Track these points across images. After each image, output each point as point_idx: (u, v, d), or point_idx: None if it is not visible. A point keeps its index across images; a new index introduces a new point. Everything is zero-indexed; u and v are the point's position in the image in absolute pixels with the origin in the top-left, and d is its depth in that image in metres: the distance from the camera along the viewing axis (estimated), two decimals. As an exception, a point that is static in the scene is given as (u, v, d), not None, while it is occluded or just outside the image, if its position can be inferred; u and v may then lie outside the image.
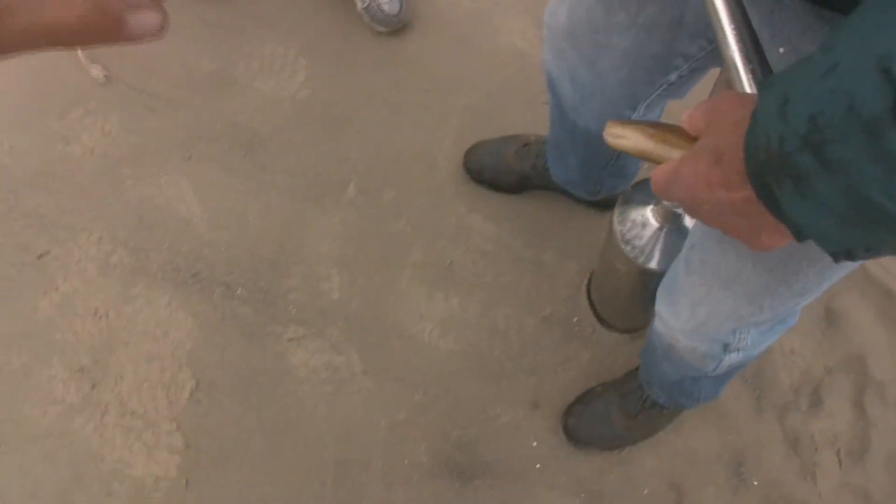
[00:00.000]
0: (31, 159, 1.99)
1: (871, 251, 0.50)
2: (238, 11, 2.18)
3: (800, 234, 0.52)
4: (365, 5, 2.06)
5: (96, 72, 2.02)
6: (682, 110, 0.63)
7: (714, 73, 1.08)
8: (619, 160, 1.56)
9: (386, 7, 2.04)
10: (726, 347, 1.20)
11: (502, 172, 1.88)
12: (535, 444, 1.70)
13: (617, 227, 1.47)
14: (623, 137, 0.69)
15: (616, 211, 1.49)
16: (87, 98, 2.04)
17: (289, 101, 2.04)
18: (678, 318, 1.22)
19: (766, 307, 1.06)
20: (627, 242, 1.46)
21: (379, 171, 1.95)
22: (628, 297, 1.64)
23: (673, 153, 0.65)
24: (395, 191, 1.92)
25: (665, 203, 1.44)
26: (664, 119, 1.37)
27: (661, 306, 1.27)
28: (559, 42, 1.31)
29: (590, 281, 1.82)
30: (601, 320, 1.80)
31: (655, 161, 0.67)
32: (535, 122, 1.95)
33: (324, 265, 1.85)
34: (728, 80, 0.70)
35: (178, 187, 1.93)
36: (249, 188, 1.93)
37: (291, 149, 1.98)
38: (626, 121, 0.70)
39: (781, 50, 0.79)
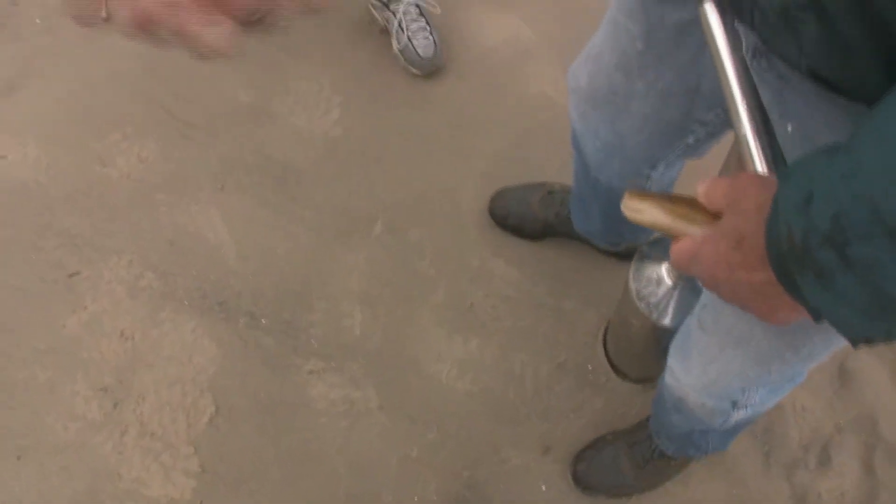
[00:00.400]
0: (67, 179, 2.13)
1: (892, 337, 0.54)
2: (276, 45, 2.33)
3: (819, 319, 0.57)
4: (401, 47, 2.22)
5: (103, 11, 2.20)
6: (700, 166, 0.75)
7: (731, 136, 1.23)
8: None
9: (421, 51, 2.20)
10: (735, 404, 1.30)
11: (527, 219, 2.01)
12: (543, 488, 1.81)
13: (632, 284, 1.59)
14: (641, 212, 0.75)
15: (632, 267, 1.62)
16: (126, 123, 2.19)
17: (322, 137, 2.19)
18: (689, 374, 1.31)
19: (774, 369, 1.15)
20: (642, 299, 1.59)
21: (406, 211, 2.09)
22: (642, 350, 1.76)
23: (691, 228, 0.70)
24: (420, 231, 2.06)
25: None
26: (684, 174, 1.54)
27: (673, 361, 1.37)
28: (582, 104, 1.45)
29: (606, 330, 1.94)
30: (615, 370, 1.92)
31: (673, 235, 0.73)
32: (561, 170, 2.09)
33: (347, 301, 1.98)
34: (740, 155, 0.78)
35: (210, 216, 2.08)
36: (279, 221, 2.07)
37: (322, 184, 2.12)
38: (643, 193, 0.79)
39: (790, 127, 0.85)
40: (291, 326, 1.95)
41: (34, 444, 1.85)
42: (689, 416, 1.44)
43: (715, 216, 0.69)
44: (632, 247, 1.88)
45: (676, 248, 0.71)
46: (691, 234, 0.70)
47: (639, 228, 1.75)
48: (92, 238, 2.05)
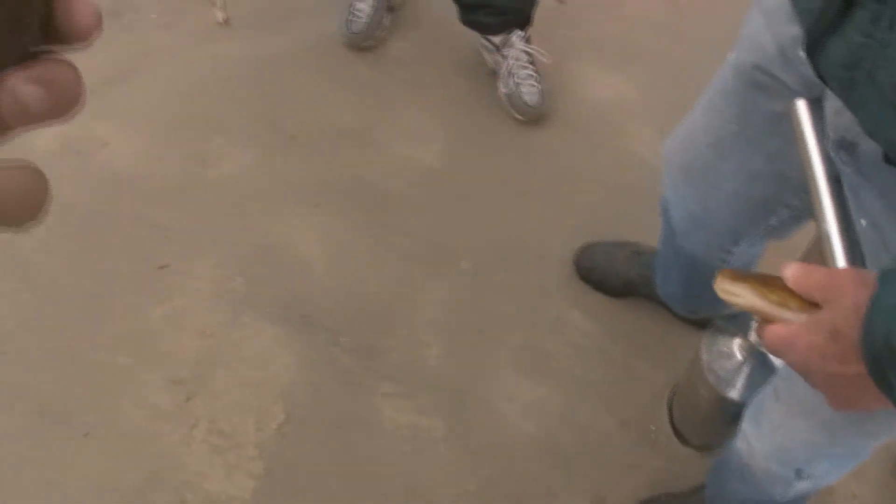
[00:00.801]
0: (167, 174, 2.30)
1: None
2: (388, 75, 2.51)
3: None
4: (507, 91, 2.38)
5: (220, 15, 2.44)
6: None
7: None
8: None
9: (527, 97, 2.36)
10: (799, 473, 1.40)
11: (610, 275, 2.15)
12: (592, 539, 1.98)
13: (704, 355, 1.72)
14: (736, 296, 0.81)
15: (705, 338, 1.74)
16: (230, 128, 2.36)
17: (420, 168, 2.35)
18: (760, 439, 1.42)
19: (839, 441, 1.26)
20: (712, 371, 1.70)
21: (494, 252, 2.23)
22: (706, 419, 1.87)
23: (785, 314, 0.76)
24: (505, 273, 2.20)
25: (753, 342, 1.72)
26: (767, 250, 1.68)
27: (746, 425, 1.47)
28: (674, 175, 1.57)
29: (673, 394, 2.10)
30: (677, 434, 2.03)
31: (764, 319, 0.78)
32: (648, 231, 2.18)
33: (427, 331, 2.12)
34: (821, 248, 0.87)
35: (302, 231, 2.23)
36: (370, 245, 2.22)
37: (415, 214, 2.28)
38: (737, 273, 0.85)
39: (864, 222, 0.94)
40: (370, 348, 2.09)
41: (103, 426, 1.98)
42: (751, 484, 1.52)
43: (808, 303, 0.76)
44: (708, 316, 2.02)
45: (771, 333, 0.78)
46: (784, 319, 0.77)
47: (717, 300, 1.91)
48: (184, 234, 2.22)
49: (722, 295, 0.85)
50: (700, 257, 1.69)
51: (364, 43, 2.57)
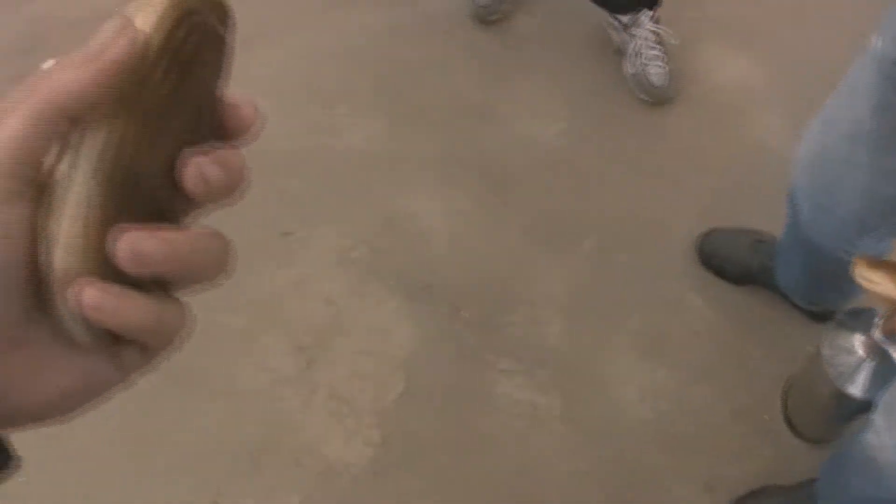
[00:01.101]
0: (293, 141, 2.40)
1: None
2: (513, 48, 2.59)
3: None
4: (634, 72, 2.45)
5: None
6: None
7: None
8: (842, 278, 1.93)
9: (654, 79, 2.43)
10: None
11: (732, 262, 2.21)
12: (700, 524, 1.99)
13: (825, 350, 1.78)
14: (874, 283, 0.82)
15: (826, 333, 1.79)
16: (355, 98, 2.45)
17: (544, 147, 2.43)
18: (892, 432, 1.47)
19: None
20: (832, 366, 1.76)
21: (616, 233, 2.31)
22: (821, 412, 1.95)
23: None
24: (628, 255, 2.28)
25: (876, 338, 1.75)
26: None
27: (878, 417, 1.51)
28: (806, 163, 1.62)
29: (788, 385, 2.13)
30: (790, 425, 2.08)
31: None
32: (770, 219, 2.22)
33: (547, 309, 2.21)
34: None
35: (427, 203, 2.33)
36: (492, 220, 2.31)
37: (538, 192, 2.36)
38: (876, 261, 0.91)
39: None
40: (491, 323, 2.19)
41: (225, 386, 2.11)
42: (873, 479, 1.56)
43: None
44: (827, 309, 2.10)
45: None
46: None
47: (838, 291, 1.98)
48: (310, 203, 2.32)
49: (859, 281, 0.88)
50: (825, 248, 1.76)
51: (490, 17, 2.66)
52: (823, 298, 2.08)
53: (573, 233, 2.32)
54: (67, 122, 0.37)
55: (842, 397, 1.78)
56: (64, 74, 0.36)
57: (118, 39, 0.37)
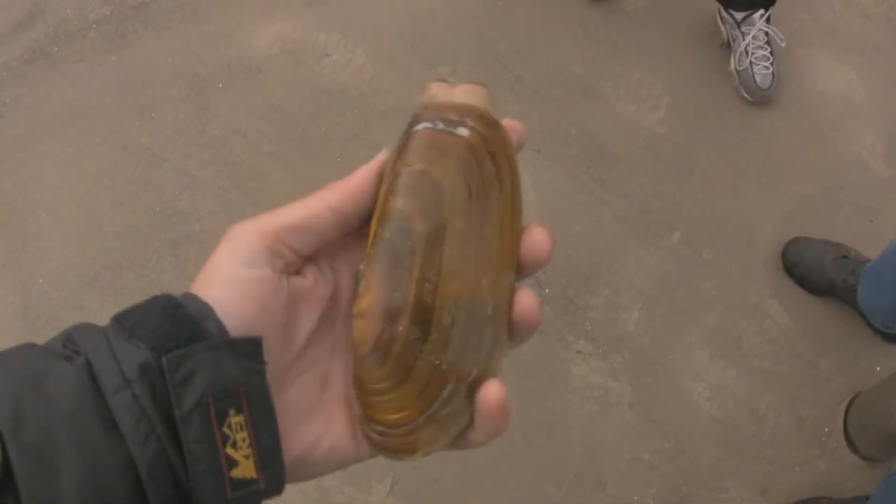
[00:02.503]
0: (388, 95, 2.41)
1: None
2: (620, 29, 2.60)
3: None
4: (740, 69, 2.45)
5: None
6: None
7: None
8: None
9: (759, 79, 2.43)
10: None
11: (814, 273, 2.23)
12: (752, 527, 2.04)
13: None
14: None
15: None
16: (457, 59, 2.45)
17: (644, 132, 2.45)
18: None
19: None
20: None
21: (705, 228, 2.33)
22: (884, 435, 1.98)
23: None
24: (714, 252, 2.30)
25: None
26: None
27: None
28: None
29: (852, 401, 2.16)
30: (849, 440, 2.12)
31: None
32: (857, 235, 2.31)
33: (629, 296, 2.23)
34: None
35: (521, 174, 2.39)
36: (585, 200, 2.34)
37: (633, 177, 2.38)
38: None
39: None
40: (572, 304, 2.23)
41: None
42: None
43: None
44: None
45: None
46: None
47: None
48: None
49: None
50: None
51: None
52: (902, 326, 2.08)
53: (663, 222, 2.34)
54: (334, 221, 0.47)
55: (915, 426, 1.80)
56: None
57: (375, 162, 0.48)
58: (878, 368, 2.21)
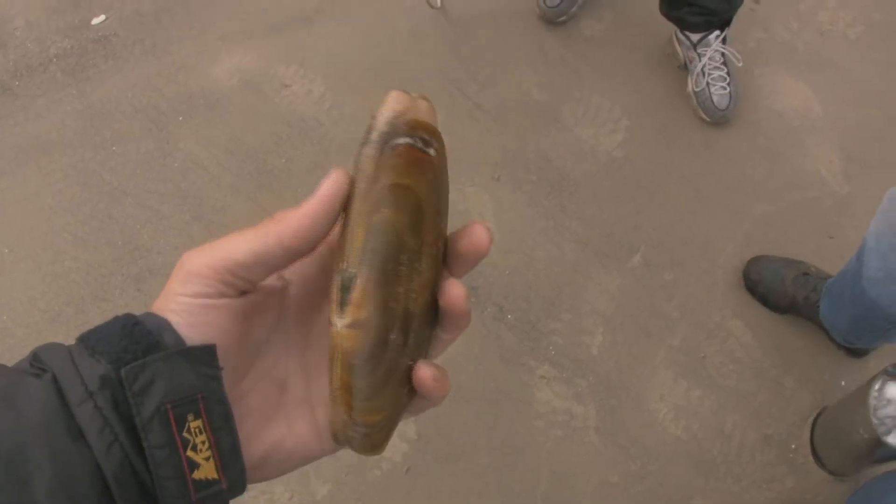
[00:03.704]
0: (348, 125, 2.42)
1: None
2: (578, 52, 2.61)
3: None
4: (697, 90, 2.46)
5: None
6: None
7: None
8: (889, 330, 1.91)
9: (716, 99, 2.45)
10: None
11: (776, 292, 2.24)
12: (721, 548, 2.05)
13: (872, 400, 1.82)
14: None
15: (875, 383, 1.83)
16: (416, 86, 2.41)
17: (603, 156, 2.45)
18: None
19: None
20: (876, 415, 1.81)
21: (666, 250, 2.34)
22: (850, 450, 1.98)
23: None
24: (675, 273, 2.31)
25: None
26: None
27: None
28: (883, 224, 1.66)
29: (818, 417, 2.16)
30: (816, 456, 2.13)
31: None
32: (816, 252, 2.33)
33: (592, 320, 2.24)
34: None
35: (481, 201, 2.35)
36: (546, 225, 2.34)
37: (594, 201, 2.39)
38: None
39: None
40: (535, 329, 2.23)
41: None
42: None
43: None
44: (864, 348, 2.18)
45: None
46: None
47: (881, 338, 2.04)
48: None
49: None
50: (880, 305, 1.81)
51: (558, 18, 2.66)
52: (863, 341, 2.12)
53: (624, 245, 2.35)
54: (285, 256, 0.47)
55: (880, 445, 1.84)
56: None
57: (326, 191, 0.47)
58: (843, 383, 2.22)
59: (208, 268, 0.46)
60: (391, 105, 0.49)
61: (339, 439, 0.50)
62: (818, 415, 2.20)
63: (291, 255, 0.47)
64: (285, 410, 0.51)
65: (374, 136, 0.48)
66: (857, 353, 2.23)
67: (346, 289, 0.47)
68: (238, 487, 0.45)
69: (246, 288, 0.47)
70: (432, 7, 2.59)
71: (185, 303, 0.45)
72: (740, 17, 2.55)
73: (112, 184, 2.38)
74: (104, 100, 2.53)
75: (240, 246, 0.46)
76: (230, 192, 2.36)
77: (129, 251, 2.28)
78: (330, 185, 0.47)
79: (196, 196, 2.36)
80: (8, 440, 0.39)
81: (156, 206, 2.35)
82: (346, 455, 2.02)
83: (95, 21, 2.70)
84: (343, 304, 0.47)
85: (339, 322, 0.47)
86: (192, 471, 0.42)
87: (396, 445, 2.09)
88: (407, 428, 2.11)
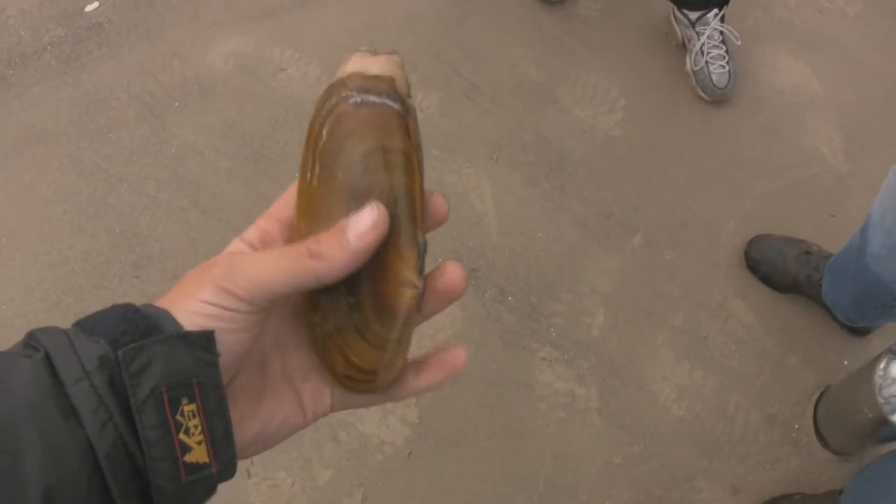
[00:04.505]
0: None
1: None
2: (574, 32, 2.58)
3: None
4: (696, 69, 2.44)
5: None
6: None
7: None
8: (893, 306, 1.89)
9: (715, 78, 2.42)
10: None
11: (778, 270, 2.22)
12: (726, 527, 2.04)
13: (877, 378, 1.81)
14: None
15: (880, 362, 1.82)
16: (411, 68, 2.39)
17: (601, 135, 2.43)
18: None
19: None
20: (882, 395, 1.80)
21: (666, 230, 2.32)
22: (854, 429, 1.97)
23: None
24: (675, 253, 2.29)
25: None
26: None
27: None
28: (888, 200, 1.64)
29: (821, 396, 2.14)
30: (819, 436, 2.12)
31: None
32: (817, 229, 2.31)
33: (592, 301, 2.22)
34: None
35: (479, 183, 2.33)
36: (545, 206, 2.32)
37: (592, 181, 2.36)
38: None
39: None
40: (535, 310, 2.21)
41: None
42: None
43: None
44: (867, 326, 2.16)
45: None
46: None
47: (885, 316, 2.02)
48: None
49: None
50: (884, 280, 1.79)
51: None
52: (865, 319, 2.10)
53: (624, 226, 2.32)
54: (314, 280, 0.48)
55: (885, 424, 1.83)
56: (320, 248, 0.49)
57: (371, 234, 0.49)
58: (846, 362, 2.20)
59: (244, 290, 0.46)
60: (350, 66, 0.52)
61: (383, 385, 0.55)
62: (821, 394, 2.19)
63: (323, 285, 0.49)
64: (269, 388, 0.53)
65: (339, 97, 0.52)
66: (859, 331, 2.21)
67: (421, 256, 0.52)
68: (228, 472, 0.46)
69: (268, 307, 0.49)
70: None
71: (205, 309, 0.46)
72: (739, -6, 2.53)
73: (108, 171, 2.35)
74: (99, 87, 2.50)
75: (280, 277, 0.47)
76: (227, 178, 2.33)
77: (127, 238, 2.25)
78: (374, 230, 0.49)
79: (193, 182, 2.33)
80: (1, 417, 0.39)
81: (152, 193, 2.31)
82: (349, 440, 2.03)
83: (89, 8, 2.66)
84: (421, 270, 0.52)
85: (418, 285, 0.52)
86: (183, 454, 0.43)
87: (398, 429, 2.07)
88: (408, 412, 2.09)
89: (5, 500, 0.38)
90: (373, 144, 0.51)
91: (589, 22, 2.65)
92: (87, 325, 0.44)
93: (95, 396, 0.41)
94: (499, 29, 2.64)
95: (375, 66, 0.52)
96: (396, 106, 0.52)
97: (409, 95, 0.54)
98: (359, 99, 0.51)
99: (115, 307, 0.45)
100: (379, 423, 2.08)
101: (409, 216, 0.52)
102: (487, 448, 2.08)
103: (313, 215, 0.52)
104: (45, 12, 2.67)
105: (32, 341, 0.43)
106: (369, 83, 0.51)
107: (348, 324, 0.52)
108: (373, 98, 0.51)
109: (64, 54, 2.59)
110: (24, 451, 0.39)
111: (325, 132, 0.51)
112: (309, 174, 0.52)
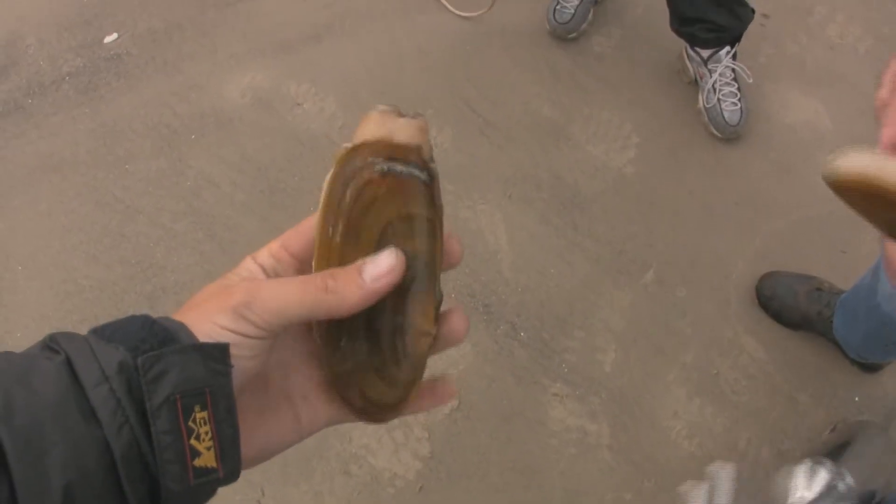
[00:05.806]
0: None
1: None
2: (587, 70, 2.59)
3: None
4: (708, 106, 2.44)
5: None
6: None
7: None
8: None
9: (727, 115, 2.42)
10: None
11: (789, 307, 2.21)
12: (735, 564, 2.10)
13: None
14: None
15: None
16: (426, 104, 2.44)
17: (614, 172, 2.43)
18: None
19: None
20: None
21: (678, 267, 2.31)
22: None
23: None
24: (687, 290, 2.28)
25: None
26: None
27: None
28: None
29: (831, 432, 2.21)
30: None
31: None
32: (829, 267, 2.30)
33: (604, 337, 2.21)
34: None
35: (493, 219, 2.33)
36: (558, 243, 2.32)
37: (605, 218, 2.36)
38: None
39: None
40: (547, 347, 2.21)
41: None
42: None
43: None
44: (877, 363, 2.15)
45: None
46: None
47: (892, 352, 2.01)
48: None
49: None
50: (895, 319, 1.77)
51: (569, 35, 2.64)
52: (877, 356, 2.10)
53: (636, 262, 2.32)
54: (325, 313, 0.50)
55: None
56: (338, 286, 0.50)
57: (386, 278, 0.51)
58: (857, 399, 2.19)
59: (262, 320, 0.48)
60: (367, 132, 0.53)
61: (394, 416, 0.59)
62: (832, 429, 2.17)
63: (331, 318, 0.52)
64: (270, 405, 0.55)
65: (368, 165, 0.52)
66: (870, 368, 2.20)
67: (438, 307, 0.56)
68: (233, 476, 0.48)
69: (280, 332, 0.51)
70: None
71: (222, 334, 0.48)
72: (750, 33, 2.52)
73: (125, 202, 2.35)
74: (117, 118, 2.50)
75: (296, 310, 0.49)
76: (243, 211, 2.33)
77: (142, 269, 2.25)
78: (389, 274, 0.51)
79: (209, 214, 2.33)
80: (27, 415, 0.41)
81: (168, 225, 2.31)
82: (360, 473, 2.03)
83: (108, 39, 2.67)
84: (436, 318, 0.56)
85: (433, 333, 0.55)
86: (193, 458, 0.45)
87: (410, 463, 2.07)
88: (420, 446, 2.08)
89: (29, 492, 0.40)
90: (397, 213, 0.52)
91: (602, 59, 2.65)
92: (104, 333, 0.46)
93: (114, 400, 0.43)
94: (513, 65, 2.64)
95: (401, 133, 0.53)
96: (423, 176, 0.53)
97: (432, 160, 0.54)
98: (385, 167, 0.52)
99: (133, 317, 0.47)
100: (390, 457, 2.07)
101: (431, 273, 0.54)
102: (499, 483, 2.07)
103: (333, 265, 0.52)
104: (64, 42, 2.68)
105: (53, 344, 0.45)
106: (395, 152, 0.52)
107: (368, 366, 0.55)
108: (399, 167, 0.52)
109: (82, 85, 2.59)
110: (47, 448, 0.41)
111: (348, 194, 0.52)
112: (331, 229, 0.52)
